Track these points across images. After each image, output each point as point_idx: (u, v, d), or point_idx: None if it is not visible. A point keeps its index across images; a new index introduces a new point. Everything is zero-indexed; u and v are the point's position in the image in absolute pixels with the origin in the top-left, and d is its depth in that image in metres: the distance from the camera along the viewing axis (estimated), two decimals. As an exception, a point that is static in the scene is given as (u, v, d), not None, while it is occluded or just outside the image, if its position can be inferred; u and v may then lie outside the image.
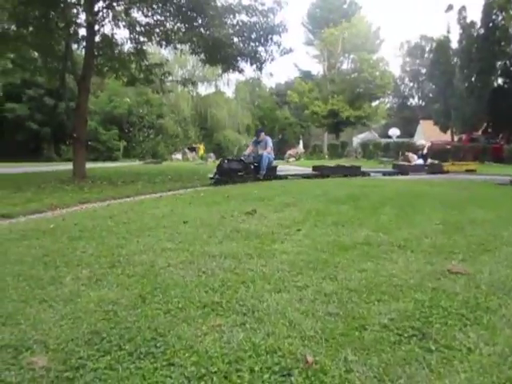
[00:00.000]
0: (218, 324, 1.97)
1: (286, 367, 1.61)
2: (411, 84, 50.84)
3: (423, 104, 47.64)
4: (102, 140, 35.00)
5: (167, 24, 11.57)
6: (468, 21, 27.16)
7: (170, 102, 41.17)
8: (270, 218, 4.77)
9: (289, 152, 36.71)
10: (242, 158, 11.19)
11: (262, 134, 11.76)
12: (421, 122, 42.50)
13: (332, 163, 17.64)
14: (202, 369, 1.60)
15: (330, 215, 4.95)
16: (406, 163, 16.04)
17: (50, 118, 32.82)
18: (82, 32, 11.51)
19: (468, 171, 15.58)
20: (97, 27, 11.11)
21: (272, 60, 12.14)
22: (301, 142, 42.83)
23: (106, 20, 10.94)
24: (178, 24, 11.51)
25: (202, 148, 40.52)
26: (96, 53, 11.77)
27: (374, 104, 41.90)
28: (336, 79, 41.80)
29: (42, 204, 6.39)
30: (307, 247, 3.39)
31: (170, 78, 14.95)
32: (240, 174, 10.45)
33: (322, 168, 13.26)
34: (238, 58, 12.15)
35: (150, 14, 11.35)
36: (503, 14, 25.40)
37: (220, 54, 11.71)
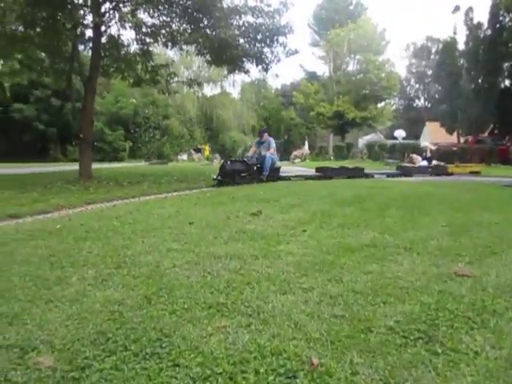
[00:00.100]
0: (224, 325, 1.97)
1: (291, 369, 1.60)
2: (417, 85, 50.69)
3: (429, 105, 47.49)
4: (107, 141, 35.15)
5: (173, 25, 11.60)
6: (475, 22, 27.08)
7: (176, 102, 41.28)
8: (276, 219, 4.77)
9: (294, 153, 36.72)
10: (245, 159, 11.10)
11: (265, 134, 11.64)
12: (427, 123, 42.37)
13: (338, 164, 17.62)
14: (207, 370, 1.60)
15: (336, 217, 4.94)
16: (409, 165, 15.98)
17: (57, 118, 33.02)
18: (89, 33, 11.60)
19: (472, 173, 15.51)
20: (103, 28, 11.17)
21: (278, 61, 12.14)
22: (306, 143, 42.82)
23: (113, 21, 11.00)
24: (184, 25, 11.54)
25: (207, 149, 40.61)
26: (102, 54, 11.82)
27: (379, 105, 41.82)
28: (342, 80, 41.76)
29: (48, 204, 6.42)
30: (313, 248, 3.38)
31: (176, 79, 14.97)
32: (243, 175, 10.37)
33: (325, 169, 13.22)
34: (244, 59, 12.15)
35: (156, 15, 11.38)
36: (510, 15, 25.27)
37: (226, 54, 11.72)
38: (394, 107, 49.46)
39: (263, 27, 11.37)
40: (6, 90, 32.20)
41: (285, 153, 41.16)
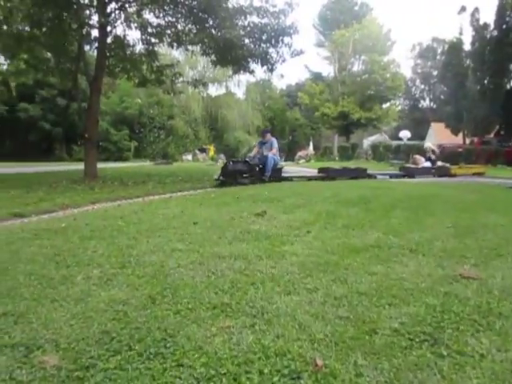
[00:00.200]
0: (228, 325, 1.97)
1: (295, 370, 1.60)
2: (422, 86, 50.57)
3: (435, 106, 47.35)
4: (112, 140, 35.30)
5: (178, 25, 11.63)
6: (481, 23, 26.94)
7: (181, 102, 41.35)
8: (280, 219, 4.77)
9: (299, 154, 36.75)
10: (247, 159, 11.02)
11: (268, 134, 11.53)
12: (432, 124, 42.22)
13: (343, 165, 17.59)
14: (212, 370, 1.60)
15: (340, 217, 4.93)
16: (413, 166, 15.93)
17: (62, 118, 33.20)
18: (95, 33, 11.64)
19: (476, 174, 15.45)
20: (109, 28, 11.22)
21: (283, 61, 12.14)
22: (311, 143, 42.82)
23: (118, 21, 11.04)
24: (190, 25, 11.56)
25: (212, 149, 40.69)
26: (108, 54, 11.87)
27: (384, 106, 41.74)
28: (347, 81, 41.71)
29: (53, 204, 6.45)
30: (317, 249, 3.37)
31: (181, 79, 14.99)
32: (245, 175, 10.33)
33: (328, 170, 13.16)
34: (249, 60, 12.15)
35: (161, 15, 11.41)
36: (517, 16, 25.16)
37: (231, 55, 11.73)
38: (399, 108, 49.31)
39: (268, 27, 11.37)
40: (12, 89, 32.36)
41: (289, 153, 41.20)
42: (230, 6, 10.93)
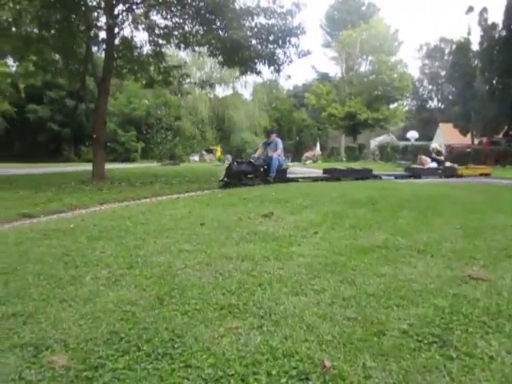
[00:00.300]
0: (235, 326, 1.97)
1: (303, 371, 1.59)
2: (430, 86, 50.33)
3: (442, 107, 47.11)
4: (120, 141, 35.46)
5: (186, 26, 11.67)
6: (489, 22, 26.75)
7: (188, 103, 41.47)
8: (287, 220, 4.76)
9: (306, 154, 36.70)
10: (252, 160, 10.89)
11: (273, 135, 11.45)
12: (440, 124, 41.97)
13: (350, 166, 17.54)
14: (219, 371, 1.60)
15: (348, 218, 4.92)
16: (418, 166, 15.85)
17: (71, 119, 33.39)
18: (103, 35, 11.72)
19: (482, 175, 15.34)
20: (117, 30, 11.28)
21: (290, 62, 12.13)
22: (318, 144, 42.73)
23: (126, 23, 11.11)
24: (197, 26, 11.59)
25: (219, 150, 40.75)
26: (116, 55, 11.94)
27: (392, 106, 41.62)
28: (354, 81, 41.62)
29: (62, 204, 6.49)
30: (324, 250, 3.37)
31: (188, 80, 15.03)
32: (249, 176, 10.24)
33: (333, 171, 13.10)
34: (256, 60, 12.15)
35: (168, 16, 11.46)
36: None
37: (238, 56, 11.74)
38: (407, 108, 49.15)
39: (275, 28, 11.37)
40: (21, 91, 32.61)
41: (296, 154, 41.15)
42: (237, 7, 10.95)
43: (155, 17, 11.22)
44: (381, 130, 44.52)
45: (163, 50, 12.63)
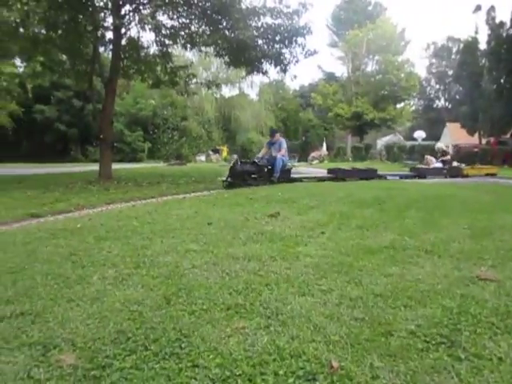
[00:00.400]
0: (242, 326, 1.97)
1: (310, 372, 1.59)
2: (437, 86, 50.05)
3: (450, 106, 46.82)
4: (127, 141, 35.53)
5: (192, 27, 11.69)
6: (497, 21, 26.54)
7: (194, 104, 41.48)
8: (294, 220, 4.76)
9: (312, 154, 36.63)
10: (256, 160, 10.74)
11: (277, 135, 11.38)
12: (447, 124, 41.71)
13: (357, 166, 17.48)
14: (227, 371, 1.60)
15: (354, 218, 4.91)
16: (424, 166, 15.78)
17: (78, 119, 33.53)
18: (109, 35, 11.76)
19: (488, 175, 15.24)
20: (123, 30, 11.32)
21: (296, 62, 12.10)
22: (324, 144, 42.62)
23: (133, 23, 11.14)
24: (203, 27, 11.60)
25: (225, 150, 40.77)
26: (122, 55, 11.98)
27: (398, 106, 41.42)
28: (360, 81, 41.48)
29: (69, 204, 6.52)
30: (331, 250, 3.36)
31: (195, 80, 15.03)
32: (253, 176, 10.13)
33: (337, 171, 13.02)
34: (262, 60, 12.15)
35: (175, 17, 11.48)
36: (534, 14, 24.73)
37: (244, 56, 11.74)
38: (414, 108, 48.92)
39: (282, 28, 11.35)
40: (28, 91, 32.81)
41: (303, 154, 41.08)
42: (243, 7, 10.94)
43: (162, 17, 11.25)
44: (387, 130, 44.33)
45: (170, 50, 12.66)
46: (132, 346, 1.80)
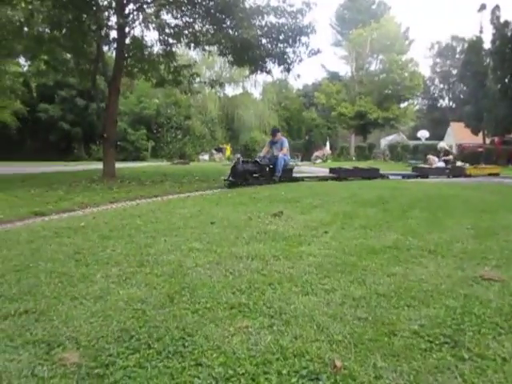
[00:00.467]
0: (246, 325, 1.97)
1: (314, 371, 1.59)
2: (441, 85, 49.99)
3: (454, 106, 46.74)
4: (130, 140, 35.59)
5: (196, 26, 11.69)
6: (502, 20, 26.43)
7: (198, 103, 41.50)
8: (297, 219, 4.76)
9: (315, 154, 36.60)
10: (257, 159, 10.65)
11: (278, 134, 11.31)
12: (451, 124, 41.61)
13: (360, 165, 17.45)
14: (230, 370, 1.60)
15: (358, 218, 4.90)
16: (426, 166, 15.74)
17: (81, 118, 33.60)
18: (113, 34, 11.75)
19: (491, 175, 15.19)
20: (127, 29, 11.33)
21: (300, 61, 12.07)
22: (327, 143, 42.57)
23: (137, 22, 11.13)
24: (207, 26, 11.60)
25: (228, 149, 40.77)
26: (126, 54, 11.99)
27: (402, 105, 41.34)
28: (364, 80, 41.43)
29: (73, 202, 6.54)
30: (335, 250, 3.36)
31: (198, 80, 15.03)
32: (255, 175, 10.09)
33: (339, 170, 12.99)
34: (266, 59, 12.13)
35: (179, 16, 11.48)
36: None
37: (248, 55, 11.73)
38: (418, 107, 48.82)
39: (286, 27, 11.33)
40: (32, 90, 32.91)
41: (306, 153, 41.06)
42: (247, 6, 10.92)
43: (166, 16, 11.24)
44: (391, 130, 44.27)
45: (173, 49, 12.64)
46: (135, 344, 1.80)
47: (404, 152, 30.85)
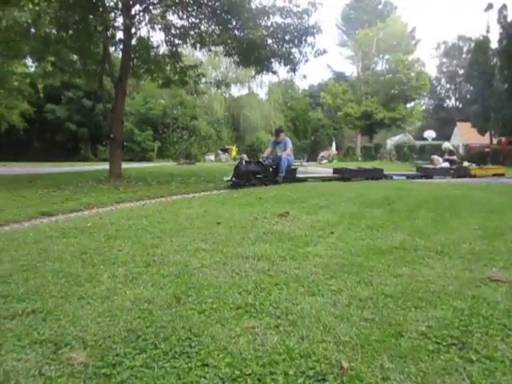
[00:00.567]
0: (252, 326, 1.96)
1: (320, 372, 1.59)
2: (448, 85, 49.79)
3: (460, 106, 46.52)
4: (137, 141, 35.73)
5: (202, 26, 11.70)
6: (509, 20, 26.26)
7: (204, 103, 41.63)
8: (303, 220, 4.75)
9: (321, 154, 36.58)
10: (261, 159, 10.62)
11: (282, 134, 11.25)
12: (458, 124, 41.42)
13: (366, 165, 17.41)
14: (236, 370, 1.60)
15: (364, 218, 4.89)
16: (430, 166, 15.66)
17: (88, 119, 33.78)
18: (120, 35, 11.80)
19: (496, 175, 15.09)
20: (133, 30, 11.35)
21: (306, 61, 12.05)
22: (333, 143, 42.52)
23: (143, 23, 11.15)
24: (213, 26, 11.62)
25: (234, 149, 40.84)
26: (132, 55, 12.04)
27: (409, 105, 41.21)
28: (370, 80, 41.34)
29: (79, 203, 6.56)
30: (341, 250, 3.35)
31: (204, 80, 15.05)
32: (258, 176, 10.02)
33: (343, 170, 12.94)
34: (272, 60, 12.13)
35: (185, 16, 11.49)
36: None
37: (254, 55, 11.72)
38: (424, 107, 48.64)
39: (292, 27, 11.32)
40: (39, 91, 33.12)
41: (312, 153, 41.02)
42: (253, 6, 10.91)
43: (172, 17, 11.25)
44: (397, 130, 44.13)
45: (179, 49, 12.67)
46: (142, 344, 1.80)
47: (410, 152, 30.75)
